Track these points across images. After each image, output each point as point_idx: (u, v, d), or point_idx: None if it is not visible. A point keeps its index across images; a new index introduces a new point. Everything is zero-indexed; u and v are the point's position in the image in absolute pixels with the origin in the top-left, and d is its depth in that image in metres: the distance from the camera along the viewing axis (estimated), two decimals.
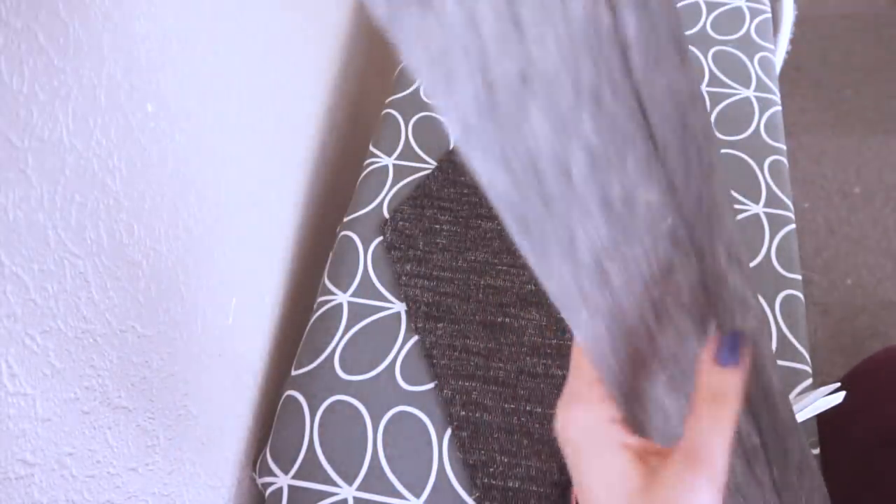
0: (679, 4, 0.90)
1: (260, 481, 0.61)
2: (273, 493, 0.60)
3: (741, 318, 0.30)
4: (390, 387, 0.63)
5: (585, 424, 0.29)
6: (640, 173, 0.23)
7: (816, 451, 0.59)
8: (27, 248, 0.31)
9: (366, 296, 0.68)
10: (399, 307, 0.68)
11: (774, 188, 0.74)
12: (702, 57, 0.85)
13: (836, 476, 0.64)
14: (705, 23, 0.88)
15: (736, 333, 0.29)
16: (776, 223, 0.72)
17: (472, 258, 0.70)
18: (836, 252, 1.51)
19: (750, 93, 0.82)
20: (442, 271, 0.70)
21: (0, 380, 0.30)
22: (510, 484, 0.59)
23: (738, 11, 0.89)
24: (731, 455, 0.28)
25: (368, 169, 0.77)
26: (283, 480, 0.60)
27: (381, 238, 0.72)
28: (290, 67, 0.69)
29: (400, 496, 0.58)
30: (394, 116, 0.81)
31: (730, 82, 0.82)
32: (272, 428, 0.63)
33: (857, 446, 0.67)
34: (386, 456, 0.60)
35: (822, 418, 0.60)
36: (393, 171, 0.77)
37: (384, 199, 0.75)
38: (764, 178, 0.75)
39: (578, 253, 0.23)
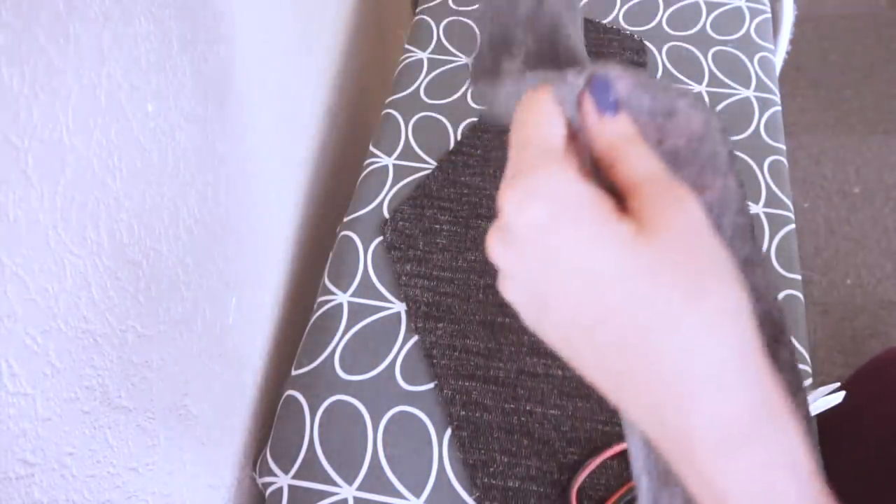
0: (679, 5, 0.90)
1: (260, 481, 0.61)
2: (273, 492, 0.60)
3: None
4: (390, 387, 0.63)
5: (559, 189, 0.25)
6: None
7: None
8: (27, 247, 0.31)
9: (366, 296, 0.68)
10: (399, 307, 0.68)
11: (774, 188, 0.74)
12: (702, 57, 0.85)
13: (841, 475, 0.64)
14: (705, 23, 0.88)
15: (598, 77, 0.29)
16: (776, 223, 0.72)
17: (472, 258, 0.70)
18: (835, 252, 1.51)
19: (750, 93, 0.82)
20: (442, 271, 0.70)
21: (0, 379, 0.30)
22: (510, 484, 0.59)
23: (738, 11, 0.89)
24: None
25: (368, 169, 0.77)
26: (283, 480, 0.60)
27: (381, 238, 0.72)
28: (290, 67, 0.69)
29: (400, 496, 0.58)
30: (394, 116, 0.81)
31: (730, 82, 0.82)
32: (272, 428, 0.63)
33: (861, 445, 0.67)
34: (386, 456, 0.60)
35: (823, 418, 0.60)
36: (393, 171, 0.77)
37: (384, 199, 0.75)
38: (764, 178, 0.75)
39: None
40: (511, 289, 0.27)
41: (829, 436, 0.67)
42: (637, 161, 0.27)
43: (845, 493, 0.58)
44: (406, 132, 0.80)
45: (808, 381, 0.63)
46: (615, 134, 0.28)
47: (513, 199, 0.25)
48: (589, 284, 0.24)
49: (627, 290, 0.24)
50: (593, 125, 0.28)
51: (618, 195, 0.27)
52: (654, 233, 0.24)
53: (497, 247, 0.27)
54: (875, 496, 0.63)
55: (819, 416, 0.59)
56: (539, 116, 0.28)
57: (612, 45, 0.86)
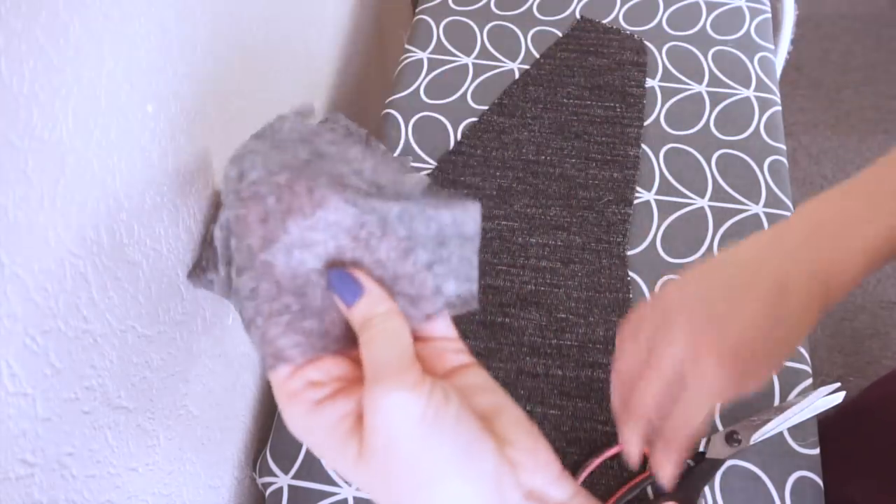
0: (679, 4, 0.90)
1: (260, 481, 0.61)
2: (273, 492, 0.60)
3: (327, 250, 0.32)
4: None
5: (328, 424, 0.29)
6: None
7: (816, 450, 0.59)
8: (27, 247, 0.31)
9: None
10: None
11: (774, 188, 0.74)
12: (702, 57, 0.85)
13: (844, 475, 0.64)
14: (705, 23, 0.88)
15: (334, 271, 0.31)
16: (776, 223, 0.72)
17: None
18: None
19: (750, 93, 0.82)
20: None
21: (0, 380, 0.30)
22: None
23: (738, 11, 0.89)
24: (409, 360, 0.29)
25: None
26: (283, 480, 0.60)
27: None
28: (290, 67, 0.69)
29: None
30: (394, 116, 0.81)
31: (730, 82, 0.82)
32: (272, 428, 0.63)
33: (865, 446, 0.67)
34: None
35: (823, 417, 0.60)
36: None
37: None
38: (764, 178, 0.75)
39: None
40: None
41: (832, 438, 0.67)
42: (365, 351, 0.29)
43: (847, 494, 0.59)
44: (406, 132, 0.80)
45: (808, 381, 0.63)
46: (356, 321, 0.30)
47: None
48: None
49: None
50: (344, 312, 0.31)
51: None
52: (366, 455, 0.27)
53: None
54: (876, 497, 0.63)
55: (821, 416, 0.59)
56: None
57: (612, 45, 0.86)
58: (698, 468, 0.57)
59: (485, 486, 0.27)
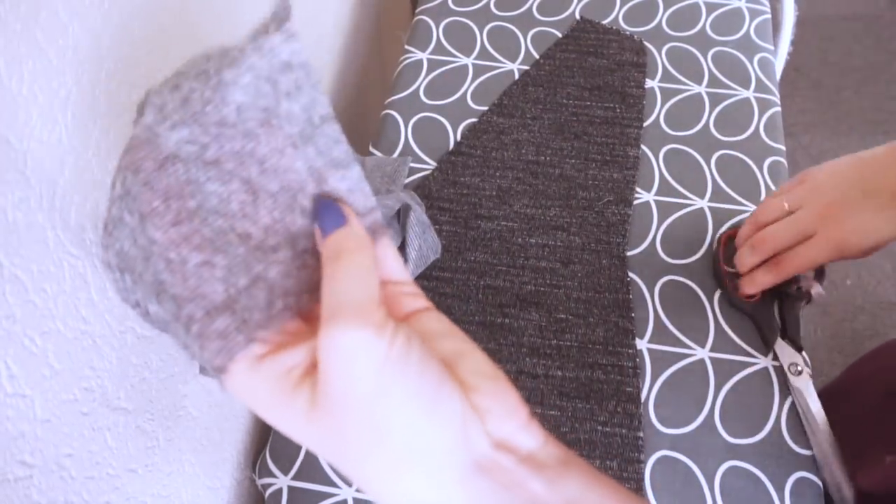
0: (679, 5, 0.90)
1: (259, 482, 0.61)
2: (273, 493, 0.60)
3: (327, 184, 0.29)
4: None
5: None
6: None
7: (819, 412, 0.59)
8: (26, 249, 0.31)
9: None
10: None
11: (774, 189, 0.74)
12: (701, 58, 0.85)
13: (844, 433, 0.66)
14: (705, 23, 0.88)
15: (322, 199, 0.28)
16: None
17: (472, 259, 0.70)
18: None
19: (749, 94, 0.82)
20: (441, 272, 0.70)
21: None
22: None
23: (737, 12, 0.89)
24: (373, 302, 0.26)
25: None
26: (282, 481, 0.60)
27: None
28: None
29: None
30: (394, 117, 0.81)
31: (729, 83, 0.82)
32: (272, 429, 0.63)
33: (862, 404, 0.70)
34: None
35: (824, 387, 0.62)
36: None
37: None
38: (763, 178, 0.75)
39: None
40: None
41: (835, 398, 0.70)
42: (329, 285, 0.26)
43: (853, 447, 0.61)
44: (406, 133, 0.80)
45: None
46: (327, 251, 0.28)
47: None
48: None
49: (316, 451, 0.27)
50: (319, 242, 0.29)
51: None
52: (320, 404, 0.25)
53: None
54: (883, 445, 0.65)
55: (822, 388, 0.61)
56: None
57: (611, 45, 0.86)
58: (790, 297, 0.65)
59: (451, 435, 0.25)
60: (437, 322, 0.30)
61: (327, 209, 0.28)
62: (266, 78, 0.27)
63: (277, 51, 0.27)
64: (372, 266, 0.26)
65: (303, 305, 0.28)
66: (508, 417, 0.27)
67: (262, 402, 0.26)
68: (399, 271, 0.31)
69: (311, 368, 0.26)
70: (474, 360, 0.29)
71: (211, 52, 0.28)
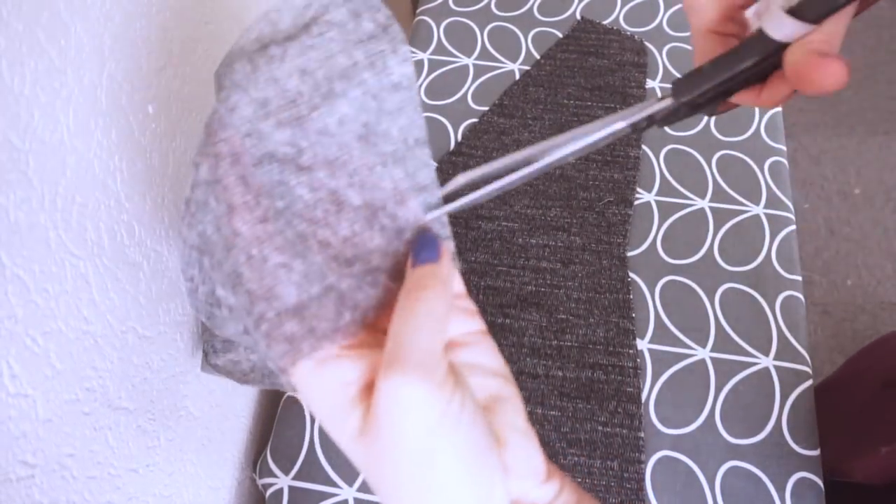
0: (679, 5, 0.90)
1: (260, 482, 0.61)
2: (273, 493, 0.60)
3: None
4: None
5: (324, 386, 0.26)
6: None
7: (816, 451, 0.59)
8: (28, 249, 0.31)
9: None
10: None
11: (775, 189, 0.74)
12: None
13: (841, 425, 0.67)
14: None
15: (424, 230, 0.29)
16: (776, 224, 0.72)
17: (473, 259, 0.70)
18: (836, 253, 1.51)
19: None
20: None
21: (1, 381, 0.30)
22: None
23: None
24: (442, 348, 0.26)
25: None
26: (283, 481, 0.60)
27: None
28: None
29: None
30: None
31: None
32: (273, 429, 0.63)
33: (858, 397, 0.70)
34: None
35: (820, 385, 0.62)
36: None
37: None
38: (764, 179, 0.75)
39: None
40: None
41: (832, 393, 0.71)
42: (398, 319, 0.26)
43: (850, 437, 0.61)
44: None
45: (808, 382, 0.63)
46: (409, 282, 0.27)
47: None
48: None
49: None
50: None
51: None
52: (369, 436, 0.25)
53: None
54: (877, 435, 0.65)
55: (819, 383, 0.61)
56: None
57: (612, 45, 0.86)
58: None
59: (483, 494, 0.25)
60: (485, 354, 0.30)
61: (426, 240, 0.28)
62: (373, 95, 0.28)
63: (391, 71, 0.28)
64: (445, 314, 0.26)
65: (369, 321, 0.28)
66: (529, 476, 0.27)
67: (318, 407, 0.26)
68: (457, 284, 0.30)
69: (368, 389, 0.26)
70: (511, 409, 0.28)
71: (311, 44, 0.28)
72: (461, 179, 0.30)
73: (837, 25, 0.26)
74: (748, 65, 0.28)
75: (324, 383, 0.26)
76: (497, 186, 0.30)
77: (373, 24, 0.29)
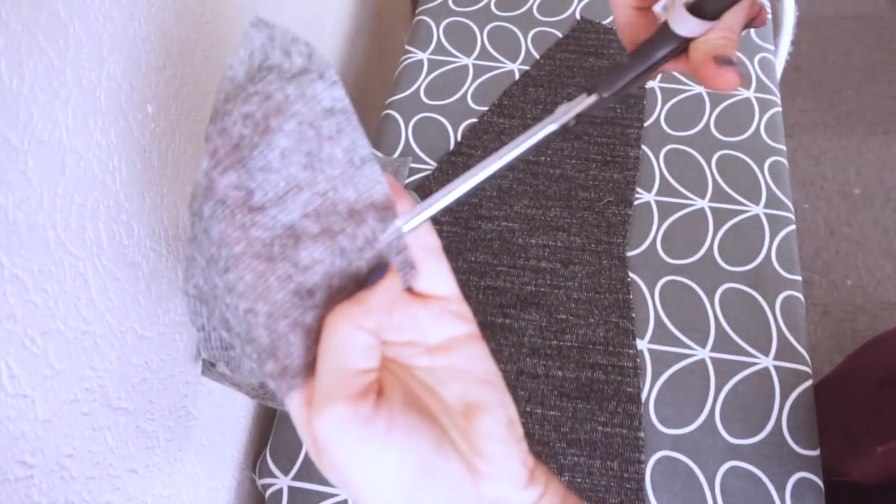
0: None
1: (260, 482, 0.61)
2: (273, 494, 0.60)
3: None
4: None
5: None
6: None
7: (816, 452, 0.59)
8: (27, 249, 0.31)
9: None
10: None
11: (775, 189, 0.74)
12: None
13: (838, 425, 0.67)
14: None
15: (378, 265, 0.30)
16: (776, 224, 0.72)
17: (472, 259, 0.70)
18: (836, 253, 1.51)
19: (750, 94, 0.82)
20: None
21: (0, 381, 0.30)
22: None
23: None
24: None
25: None
26: (283, 482, 0.60)
27: None
28: None
29: None
30: (394, 117, 0.81)
31: None
32: (272, 429, 0.63)
33: (856, 397, 0.70)
34: None
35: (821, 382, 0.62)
36: None
37: None
38: (764, 178, 0.75)
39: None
40: None
41: (830, 391, 0.70)
42: (326, 330, 0.28)
43: (847, 436, 0.61)
44: (406, 133, 0.80)
45: (808, 382, 0.63)
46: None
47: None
48: None
49: None
50: None
51: None
52: (318, 456, 0.27)
53: None
54: (875, 434, 0.65)
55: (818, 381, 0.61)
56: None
57: (611, 45, 0.86)
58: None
59: (439, 499, 0.26)
60: (473, 360, 0.30)
61: (379, 271, 0.29)
62: (309, 124, 0.29)
63: (320, 97, 0.29)
64: (348, 338, 0.27)
65: None
66: (508, 482, 0.28)
67: (299, 428, 0.28)
68: (446, 287, 0.31)
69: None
70: (490, 417, 0.29)
71: (254, 90, 0.29)
72: (421, 211, 0.31)
73: (735, 19, 0.30)
74: (660, 57, 0.31)
75: (293, 412, 0.28)
76: (451, 199, 0.31)
77: (301, 58, 0.30)
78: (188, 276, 0.32)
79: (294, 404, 0.28)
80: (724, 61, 0.29)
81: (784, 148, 0.78)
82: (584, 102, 0.32)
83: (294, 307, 0.28)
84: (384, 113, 0.82)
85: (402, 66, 0.86)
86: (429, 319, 0.30)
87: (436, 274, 0.31)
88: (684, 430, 0.61)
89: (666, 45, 0.31)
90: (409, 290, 0.31)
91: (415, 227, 0.30)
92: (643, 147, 0.78)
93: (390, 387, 0.27)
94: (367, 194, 0.30)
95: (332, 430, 0.25)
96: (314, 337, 0.28)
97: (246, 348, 0.29)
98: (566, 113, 0.32)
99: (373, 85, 1.06)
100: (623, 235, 0.71)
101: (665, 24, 0.31)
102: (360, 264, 0.30)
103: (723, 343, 0.65)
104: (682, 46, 0.31)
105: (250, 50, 0.31)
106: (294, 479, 0.60)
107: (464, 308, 0.31)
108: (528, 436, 0.61)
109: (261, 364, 0.28)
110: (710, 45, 0.29)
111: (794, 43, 1.05)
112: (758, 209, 0.73)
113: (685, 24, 0.30)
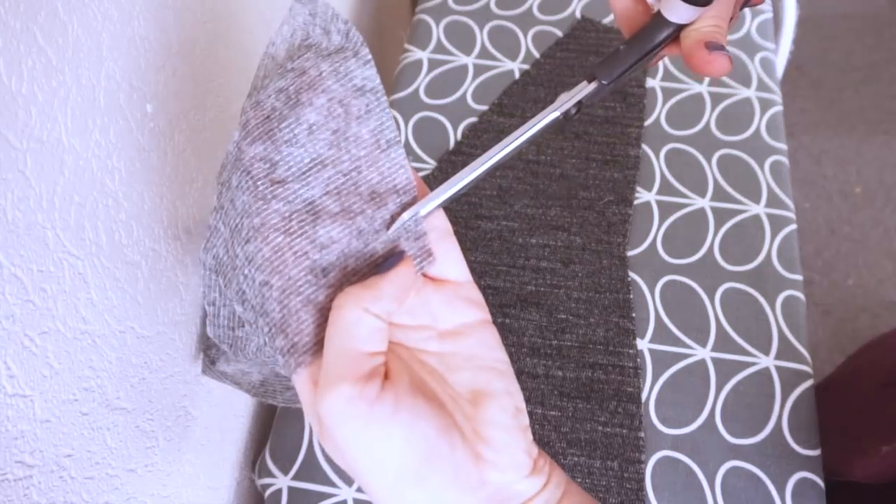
0: None
1: (259, 482, 0.61)
2: (272, 494, 0.60)
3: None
4: None
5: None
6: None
7: (817, 451, 0.59)
8: (26, 248, 0.31)
9: None
10: None
11: (775, 188, 0.74)
12: None
13: (841, 425, 0.67)
14: None
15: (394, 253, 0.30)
16: (777, 224, 0.72)
17: (472, 259, 0.70)
18: (836, 252, 1.51)
19: (751, 93, 0.81)
20: None
21: None
22: None
23: None
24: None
25: None
26: (282, 481, 0.60)
27: None
28: None
29: None
30: (393, 116, 0.81)
31: (730, 82, 0.82)
32: (271, 429, 0.63)
33: (858, 396, 0.71)
34: None
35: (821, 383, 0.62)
36: None
37: None
38: (765, 178, 0.75)
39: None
40: None
41: (831, 389, 0.71)
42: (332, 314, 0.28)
43: (847, 436, 0.61)
44: (406, 132, 0.79)
45: (808, 382, 0.63)
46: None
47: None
48: None
49: None
50: None
51: None
52: (321, 436, 0.27)
53: None
54: (876, 434, 0.65)
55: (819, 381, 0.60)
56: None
57: (612, 44, 0.86)
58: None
59: (443, 481, 0.26)
60: (484, 347, 0.30)
61: (394, 259, 0.29)
62: (339, 101, 0.29)
63: (352, 75, 0.29)
64: (356, 321, 0.26)
65: None
66: (512, 470, 0.28)
67: (305, 407, 0.28)
68: (459, 272, 0.31)
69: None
70: (496, 406, 0.29)
71: (291, 67, 0.30)
72: (433, 199, 0.31)
73: (725, 5, 0.30)
74: (656, 44, 0.32)
75: (300, 389, 0.28)
76: (463, 185, 0.32)
77: (339, 36, 0.30)
78: (208, 246, 0.31)
79: (301, 381, 0.28)
80: (714, 47, 0.30)
81: (785, 147, 0.78)
82: (585, 90, 0.33)
83: (308, 284, 0.28)
84: None
85: (401, 64, 0.86)
86: (441, 304, 0.30)
87: (448, 258, 0.31)
88: (685, 429, 0.61)
89: (660, 33, 0.32)
90: (422, 273, 0.30)
91: (430, 211, 0.30)
92: (643, 146, 0.77)
93: (397, 371, 0.27)
94: (390, 178, 0.30)
95: (338, 411, 0.25)
96: (326, 316, 0.28)
97: (259, 321, 0.28)
98: (567, 100, 0.33)
99: None
100: (623, 235, 0.71)
101: (659, 12, 0.32)
102: (377, 248, 0.29)
103: (723, 343, 0.65)
104: (677, 33, 0.32)
105: (293, 27, 0.30)
106: (293, 479, 0.60)
107: (476, 294, 0.31)
108: None
109: (272, 338, 0.28)
110: (700, 31, 0.30)
111: (795, 42, 1.05)
112: (758, 209, 0.73)
113: (677, 11, 0.31)
